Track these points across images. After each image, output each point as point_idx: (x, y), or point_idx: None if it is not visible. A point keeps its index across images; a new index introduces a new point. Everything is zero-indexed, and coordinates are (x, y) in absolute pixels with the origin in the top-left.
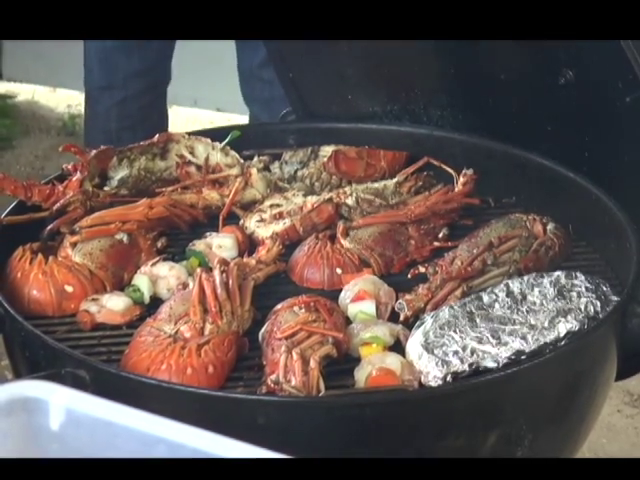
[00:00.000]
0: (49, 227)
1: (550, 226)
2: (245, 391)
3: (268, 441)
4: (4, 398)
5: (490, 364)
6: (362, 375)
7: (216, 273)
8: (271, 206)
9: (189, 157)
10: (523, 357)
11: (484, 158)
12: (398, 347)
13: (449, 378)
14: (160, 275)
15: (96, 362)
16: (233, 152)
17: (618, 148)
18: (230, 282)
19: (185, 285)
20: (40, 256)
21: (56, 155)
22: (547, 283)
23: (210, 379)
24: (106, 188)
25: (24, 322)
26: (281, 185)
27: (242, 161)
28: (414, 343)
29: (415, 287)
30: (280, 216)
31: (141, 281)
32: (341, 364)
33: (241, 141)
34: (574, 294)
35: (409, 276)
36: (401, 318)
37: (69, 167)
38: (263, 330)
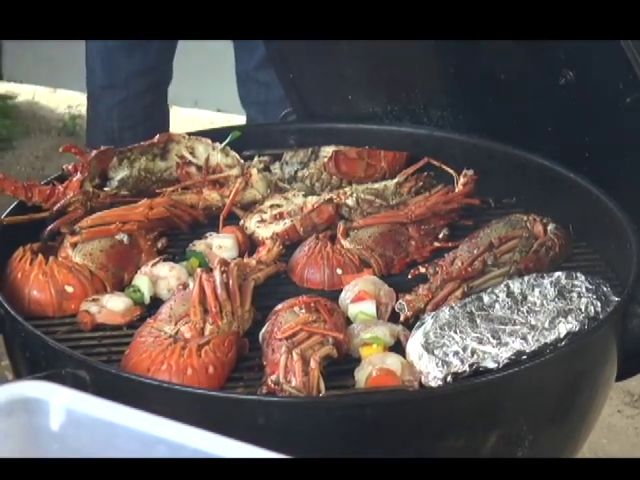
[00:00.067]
0: (49, 227)
1: (550, 226)
2: (245, 391)
3: (268, 441)
4: (4, 398)
5: (490, 364)
6: (362, 375)
7: (216, 273)
8: (271, 206)
9: (189, 157)
10: (523, 357)
11: (484, 158)
12: (398, 347)
13: (449, 378)
14: (160, 275)
15: (96, 362)
16: (233, 152)
17: (618, 149)
18: (230, 282)
19: (185, 285)
20: (40, 256)
21: (56, 156)
22: (547, 283)
23: (210, 379)
24: (106, 188)
25: (24, 322)
26: (281, 185)
27: (242, 161)
28: (414, 343)
29: (415, 287)
30: (280, 216)
31: (141, 281)
32: (341, 364)
33: (241, 141)
34: (574, 294)
35: (409, 276)
36: (401, 318)
37: (69, 168)
38: (263, 330)
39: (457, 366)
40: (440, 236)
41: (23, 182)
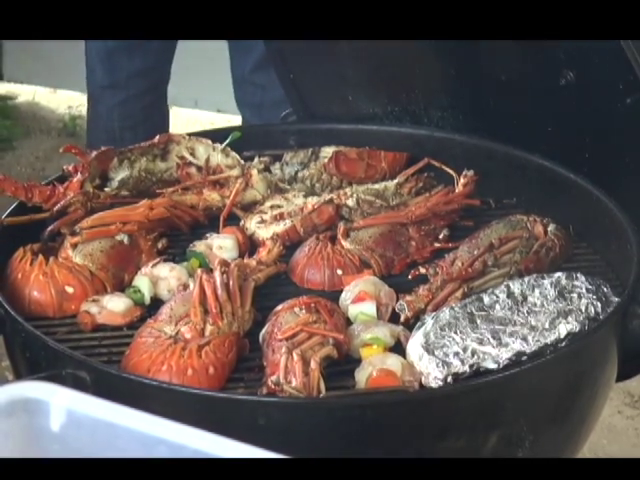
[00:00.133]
0: (50, 228)
1: (551, 227)
2: (246, 392)
3: (269, 442)
4: (5, 399)
5: (491, 365)
6: (363, 376)
7: (217, 274)
8: (272, 207)
9: (190, 158)
10: (524, 358)
11: (485, 159)
12: (399, 348)
13: (450, 379)
14: (161, 276)
15: (97, 363)
16: (234, 153)
17: (618, 149)
18: (231, 283)
19: (186, 286)
20: (41, 257)
21: (57, 156)
22: (548, 284)
23: (211, 380)
24: (107, 189)
25: (25, 323)
26: (282, 186)
27: (243, 162)
28: (415, 344)
29: (416, 288)
30: (281, 217)
31: (142, 282)
32: (342, 365)
33: (242, 142)
34: (575, 295)
35: (410, 277)
36: (402, 319)
37: (70, 168)
38: (264, 331)
39: (457, 367)
40: (440, 237)
41: (23, 183)
